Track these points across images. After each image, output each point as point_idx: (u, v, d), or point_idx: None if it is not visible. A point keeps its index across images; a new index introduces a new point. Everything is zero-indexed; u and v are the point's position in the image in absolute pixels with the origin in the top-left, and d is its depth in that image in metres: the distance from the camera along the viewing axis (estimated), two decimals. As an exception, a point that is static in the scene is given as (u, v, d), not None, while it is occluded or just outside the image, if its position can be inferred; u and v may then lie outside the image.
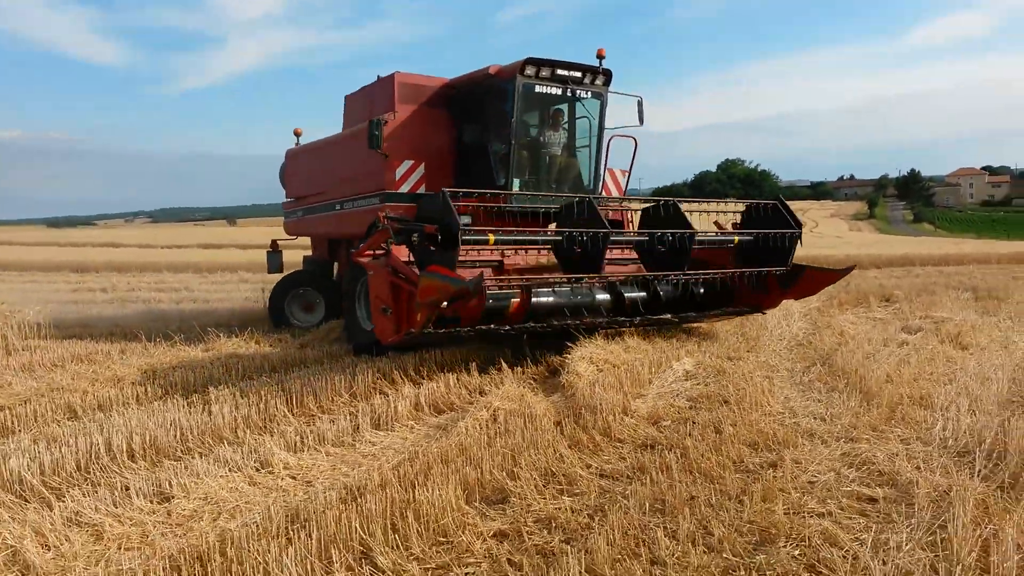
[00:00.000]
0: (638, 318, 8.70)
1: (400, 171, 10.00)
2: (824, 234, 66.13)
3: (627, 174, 11.60)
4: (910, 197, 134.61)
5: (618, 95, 10.61)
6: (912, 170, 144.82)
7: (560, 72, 9.88)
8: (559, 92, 10.05)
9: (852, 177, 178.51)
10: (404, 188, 10.00)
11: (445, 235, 7.05)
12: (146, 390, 7.31)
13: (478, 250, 7.94)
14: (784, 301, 9.91)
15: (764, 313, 10.08)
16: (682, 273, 8.38)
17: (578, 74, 10.02)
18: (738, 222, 9.64)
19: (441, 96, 10.82)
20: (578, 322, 8.21)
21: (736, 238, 9.07)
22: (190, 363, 8.65)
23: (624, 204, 10.58)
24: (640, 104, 10.73)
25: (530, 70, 9.65)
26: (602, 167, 10.85)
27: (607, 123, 10.75)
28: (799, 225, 8.99)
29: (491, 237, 7.33)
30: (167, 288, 19.21)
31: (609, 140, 10.84)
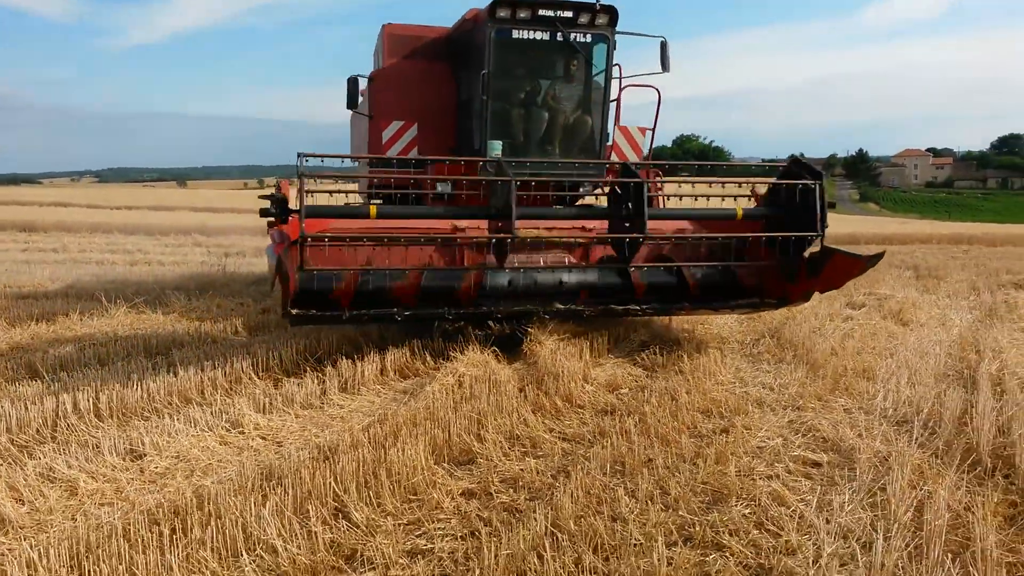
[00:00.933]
0: (597, 307, 7.26)
1: (388, 133, 8.88)
2: (775, 211, 67.31)
3: (648, 132, 9.66)
4: (857, 177, 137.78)
5: (630, 36, 8.83)
6: (860, 150, 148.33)
7: (543, 12, 8.33)
8: (546, 37, 8.50)
9: (802, 155, 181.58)
10: (393, 152, 8.86)
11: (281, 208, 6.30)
12: (108, 351, 7.28)
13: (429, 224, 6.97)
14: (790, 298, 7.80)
15: (790, 307, 8.26)
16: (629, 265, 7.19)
17: (568, 13, 8.39)
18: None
19: (440, 48, 9.48)
20: (482, 310, 6.99)
21: (739, 209, 7.47)
22: (151, 325, 8.62)
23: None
24: (664, 46, 8.92)
25: (503, 12, 8.23)
26: (610, 125, 9.16)
27: (624, 72, 9.16)
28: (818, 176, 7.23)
29: (372, 209, 6.59)
30: (120, 250, 18.87)
31: (620, 92, 9.25)
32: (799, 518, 3.89)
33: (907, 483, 4.21)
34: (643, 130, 9.58)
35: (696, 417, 5.55)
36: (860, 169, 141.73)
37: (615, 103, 9.34)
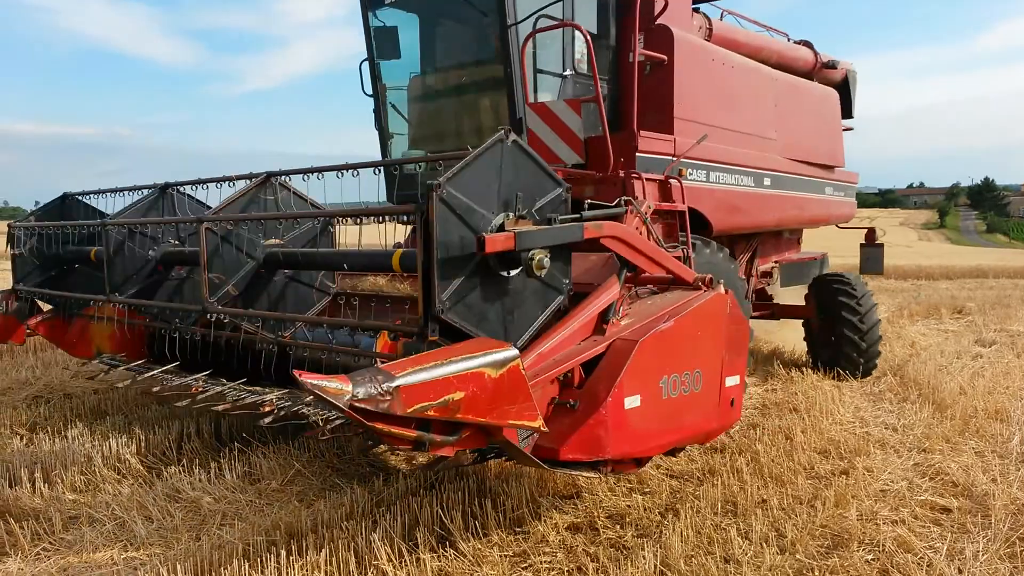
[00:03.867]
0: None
1: None
2: (893, 243, 64.65)
3: (586, 105, 5.50)
4: (983, 206, 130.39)
5: None
6: (986, 178, 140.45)
7: None
8: None
9: (922, 185, 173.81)
10: None
11: None
12: (228, 378, 7.63)
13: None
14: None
15: None
16: None
17: None
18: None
19: None
20: None
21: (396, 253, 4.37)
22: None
23: None
24: None
25: None
26: (522, 99, 5.72)
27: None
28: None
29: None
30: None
31: (528, 37, 5.52)
32: (927, 566, 3.66)
33: (1050, 534, 3.90)
34: (576, 103, 5.44)
35: (813, 457, 5.32)
36: (986, 198, 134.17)
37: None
